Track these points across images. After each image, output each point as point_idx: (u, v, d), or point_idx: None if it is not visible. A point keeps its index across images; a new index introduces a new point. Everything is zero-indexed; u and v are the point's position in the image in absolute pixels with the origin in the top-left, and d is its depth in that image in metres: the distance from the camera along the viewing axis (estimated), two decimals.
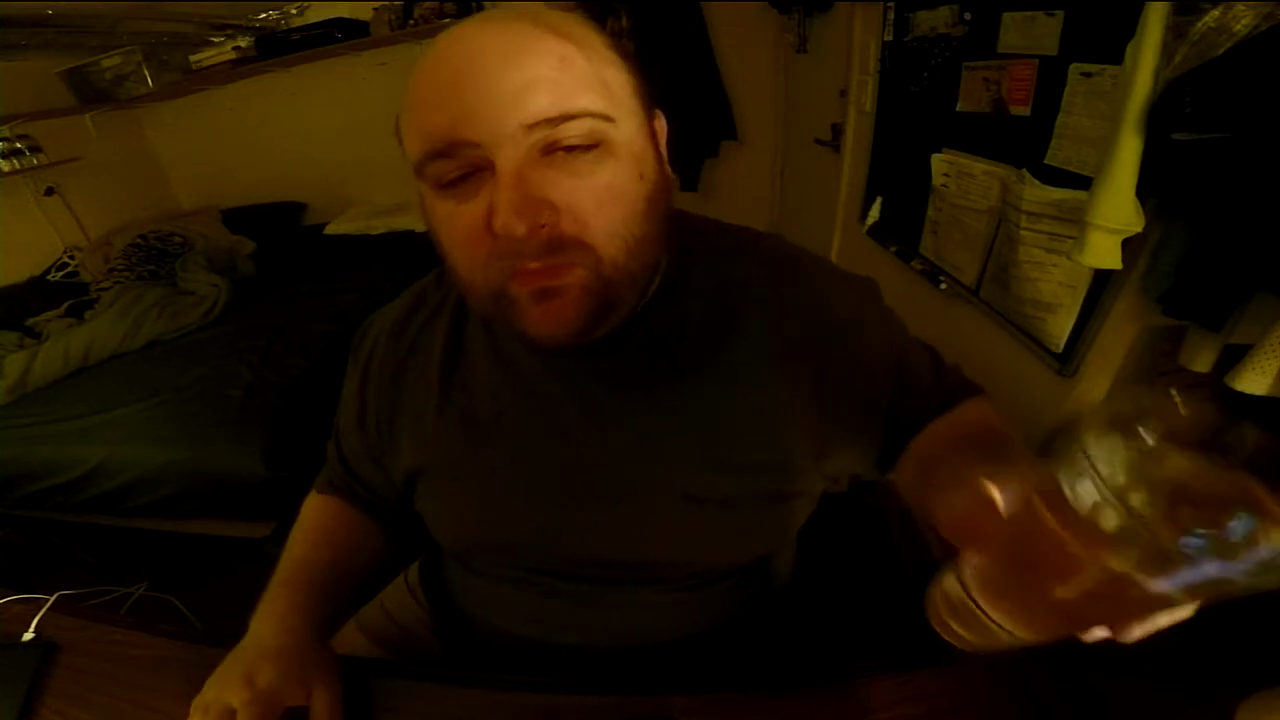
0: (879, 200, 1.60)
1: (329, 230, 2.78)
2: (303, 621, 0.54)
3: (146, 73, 2.40)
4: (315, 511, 0.67)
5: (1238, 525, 0.18)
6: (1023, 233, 0.99)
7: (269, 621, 0.53)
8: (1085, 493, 0.21)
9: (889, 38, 1.45)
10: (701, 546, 0.53)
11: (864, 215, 1.66)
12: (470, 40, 0.40)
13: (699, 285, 0.51)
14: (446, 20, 2.31)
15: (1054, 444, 0.22)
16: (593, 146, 0.40)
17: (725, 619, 0.60)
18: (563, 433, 0.52)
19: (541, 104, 0.38)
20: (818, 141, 2.03)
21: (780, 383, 0.50)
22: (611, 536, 0.53)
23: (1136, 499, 0.20)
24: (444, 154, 0.40)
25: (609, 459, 0.51)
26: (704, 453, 0.50)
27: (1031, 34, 0.96)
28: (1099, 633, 0.26)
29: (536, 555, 0.56)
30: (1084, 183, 0.82)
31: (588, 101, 0.40)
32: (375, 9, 2.40)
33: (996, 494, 0.25)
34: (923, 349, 0.56)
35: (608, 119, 0.40)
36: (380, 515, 0.67)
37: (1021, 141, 0.99)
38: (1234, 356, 0.72)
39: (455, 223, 0.41)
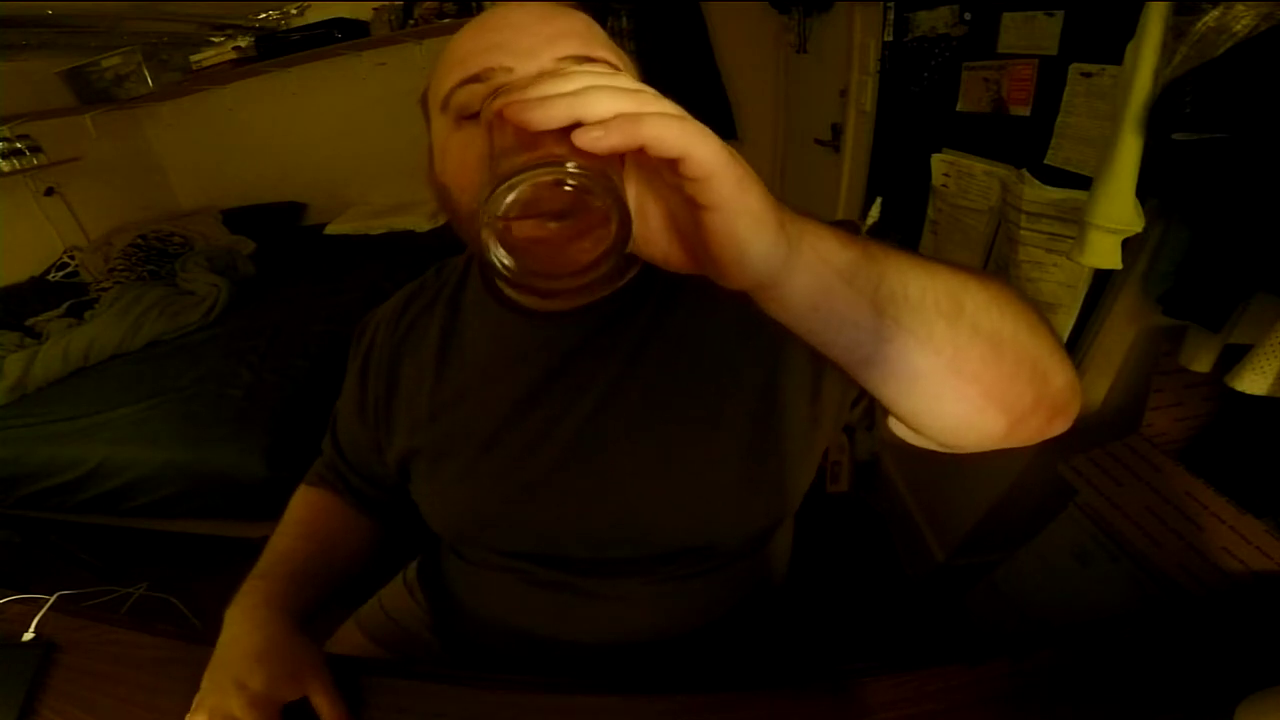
0: (879, 200, 1.60)
1: (329, 230, 2.78)
2: (280, 616, 0.54)
3: (146, 73, 2.40)
4: (300, 504, 0.68)
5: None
6: (1023, 233, 0.99)
7: (246, 619, 0.54)
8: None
9: (889, 38, 1.45)
10: (688, 514, 0.52)
11: (864, 215, 1.67)
12: (511, 7, 0.46)
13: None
14: (446, 20, 2.31)
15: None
16: None
17: (722, 615, 0.60)
18: (543, 401, 0.53)
19: (572, 45, 0.44)
20: (818, 141, 2.03)
21: (762, 328, 0.49)
22: (592, 503, 0.52)
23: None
24: (477, 78, 0.42)
25: (580, 421, 0.51)
26: (682, 406, 0.50)
27: (1031, 34, 0.96)
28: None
29: (524, 535, 0.56)
30: (1084, 183, 0.82)
31: (609, 56, 0.45)
32: (375, 9, 2.40)
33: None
34: None
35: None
36: (372, 506, 0.68)
37: (1021, 141, 0.99)
38: (1234, 356, 0.72)
39: (469, 152, 0.43)
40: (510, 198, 0.26)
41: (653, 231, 0.32)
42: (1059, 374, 0.39)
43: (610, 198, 0.27)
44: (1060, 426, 0.41)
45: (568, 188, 0.26)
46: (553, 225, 0.29)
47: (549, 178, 0.26)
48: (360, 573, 0.69)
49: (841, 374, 0.48)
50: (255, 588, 0.57)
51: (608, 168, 0.27)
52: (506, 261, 0.29)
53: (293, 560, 0.61)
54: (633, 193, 0.31)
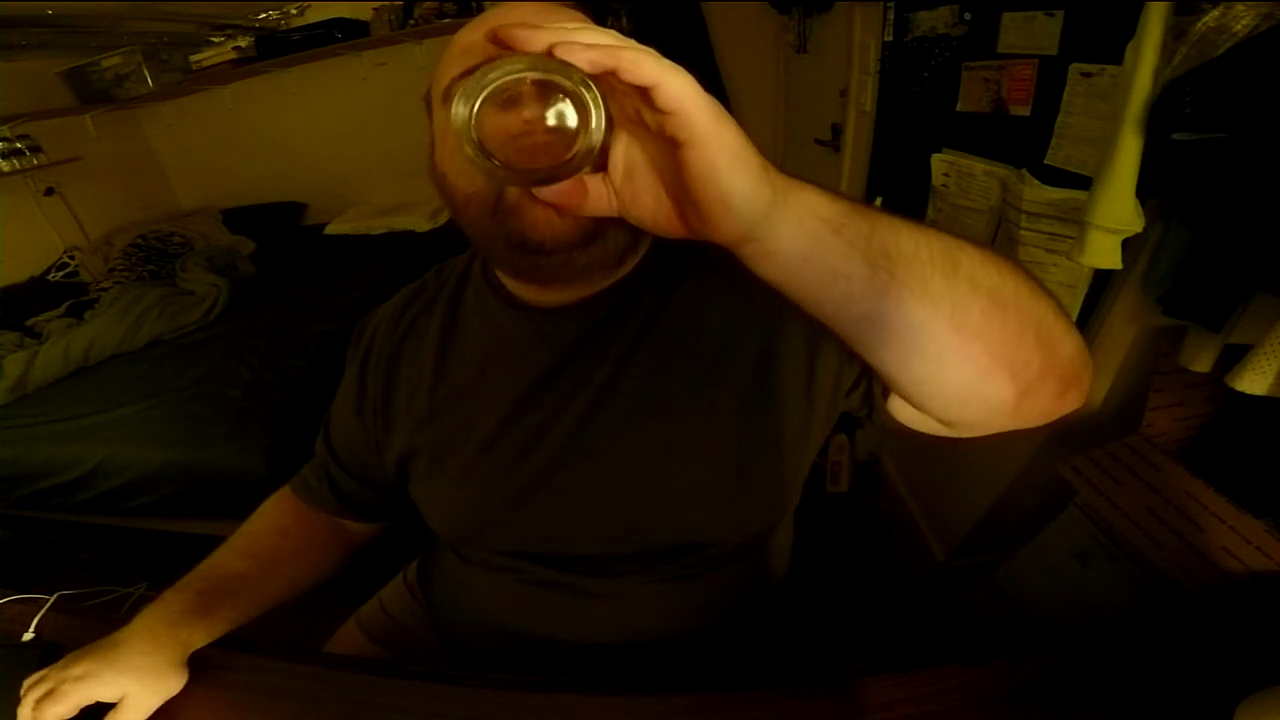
0: (879, 200, 1.60)
1: (329, 230, 2.78)
2: (163, 629, 0.55)
3: (146, 73, 2.40)
4: (264, 516, 0.68)
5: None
6: (1023, 233, 0.99)
7: (140, 617, 0.56)
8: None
9: (889, 38, 1.45)
10: (687, 510, 0.52)
11: None
12: (512, 5, 0.48)
13: (667, 264, 0.53)
14: (446, 20, 2.31)
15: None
16: None
17: (722, 615, 0.60)
18: (543, 399, 0.53)
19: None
20: (818, 141, 2.03)
21: (755, 314, 0.50)
22: (592, 501, 0.53)
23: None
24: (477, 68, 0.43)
25: (580, 419, 0.52)
26: (679, 401, 0.50)
27: (1031, 34, 0.96)
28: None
29: (524, 534, 0.56)
30: (1084, 183, 0.82)
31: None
32: (375, 9, 2.40)
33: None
34: None
35: None
36: (360, 511, 0.68)
37: (1021, 141, 0.99)
38: (1234, 356, 0.72)
39: None
40: (489, 77, 0.28)
41: (640, 189, 0.33)
42: (1066, 341, 0.38)
43: (583, 86, 0.28)
44: (1072, 402, 0.40)
45: (555, 86, 0.29)
46: (528, 118, 0.30)
47: (530, 72, 0.28)
48: (322, 583, 0.69)
49: (838, 354, 0.48)
50: (168, 597, 0.58)
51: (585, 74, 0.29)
52: (491, 160, 0.30)
53: (217, 578, 0.61)
54: (619, 152, 0.32)
